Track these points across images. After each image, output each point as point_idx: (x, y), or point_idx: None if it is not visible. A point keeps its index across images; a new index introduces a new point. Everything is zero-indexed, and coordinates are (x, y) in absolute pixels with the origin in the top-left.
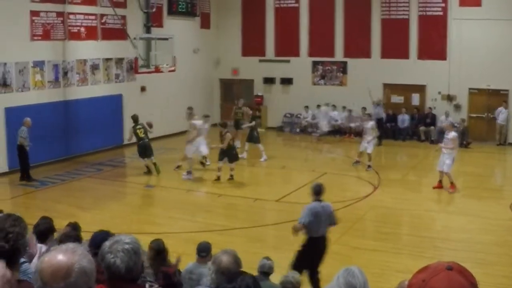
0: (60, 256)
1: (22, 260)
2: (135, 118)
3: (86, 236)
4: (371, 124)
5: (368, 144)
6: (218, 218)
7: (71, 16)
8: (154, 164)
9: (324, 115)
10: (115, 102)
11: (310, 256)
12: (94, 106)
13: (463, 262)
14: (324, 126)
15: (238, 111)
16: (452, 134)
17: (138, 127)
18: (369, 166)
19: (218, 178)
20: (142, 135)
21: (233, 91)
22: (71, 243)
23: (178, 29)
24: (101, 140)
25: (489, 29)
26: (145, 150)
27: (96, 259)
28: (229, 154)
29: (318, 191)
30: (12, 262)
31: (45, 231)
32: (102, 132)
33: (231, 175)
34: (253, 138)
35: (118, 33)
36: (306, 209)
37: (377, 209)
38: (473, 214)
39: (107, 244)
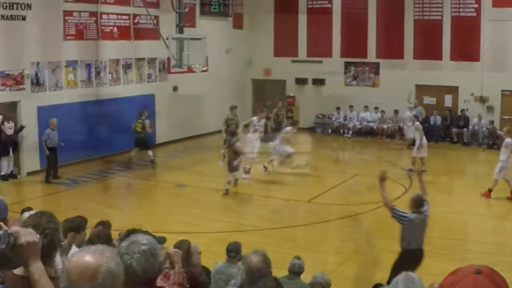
0: (88, 257)
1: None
2: (140, 112)
3: (115, 235)
4: (416, 125)
5: (421, 147)
6: (248, 218)
7: (104, 16)
8: (152, 161)
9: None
10: (148, 101)
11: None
12: (126, 105)
13: (494, 266)
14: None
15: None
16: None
17: (138, 121)
18: (423, 171)
19: (227, 192)
20: (139, 129)
21: (265, 92)
22: (100, 244)
23: (210, 29)
24: (132, 139)
25: None
26: (139, 144)
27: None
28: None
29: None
30: (49, 257)
31: (77, 227)
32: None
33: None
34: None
35: (150, 33)
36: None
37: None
38: (506, 217)
39: (123, 245)
